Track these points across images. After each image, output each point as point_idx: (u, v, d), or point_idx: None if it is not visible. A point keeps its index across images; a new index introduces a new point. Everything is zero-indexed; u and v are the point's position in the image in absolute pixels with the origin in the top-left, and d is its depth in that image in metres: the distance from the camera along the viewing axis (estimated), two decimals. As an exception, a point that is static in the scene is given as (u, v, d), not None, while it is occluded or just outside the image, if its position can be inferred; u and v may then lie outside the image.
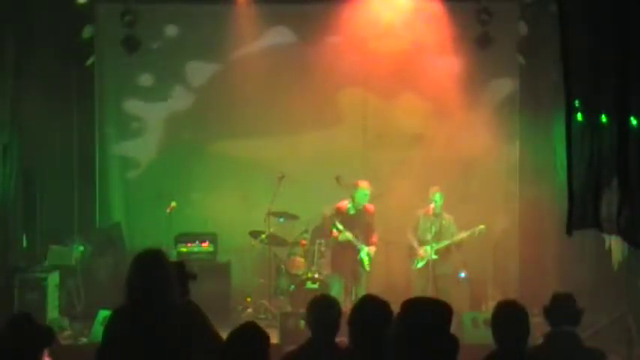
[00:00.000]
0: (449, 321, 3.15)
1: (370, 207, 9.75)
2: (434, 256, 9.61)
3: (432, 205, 9.67)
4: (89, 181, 11.17)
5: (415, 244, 9.77)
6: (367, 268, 9.70)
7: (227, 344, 3.96)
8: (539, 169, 10.77)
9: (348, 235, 9.55)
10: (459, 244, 9.79)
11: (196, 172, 11.27)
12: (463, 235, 9.72)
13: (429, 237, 9.63)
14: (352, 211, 9.67)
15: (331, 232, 9.69)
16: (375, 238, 9.79)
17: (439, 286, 9.51)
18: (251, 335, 3.97)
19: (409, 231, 9.88)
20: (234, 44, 11.14)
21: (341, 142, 11.35)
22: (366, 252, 9.65)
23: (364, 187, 9.59)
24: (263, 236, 10.27)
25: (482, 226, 9.67)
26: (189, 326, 4.20)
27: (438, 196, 9.66)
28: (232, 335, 3.98)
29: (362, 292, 9.12)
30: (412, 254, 9.82)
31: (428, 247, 9.63)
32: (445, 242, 9.67)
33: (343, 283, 9.72)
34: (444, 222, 9.72)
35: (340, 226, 9.57)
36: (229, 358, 3.91)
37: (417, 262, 9.74)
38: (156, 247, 4.47)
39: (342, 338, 5.60)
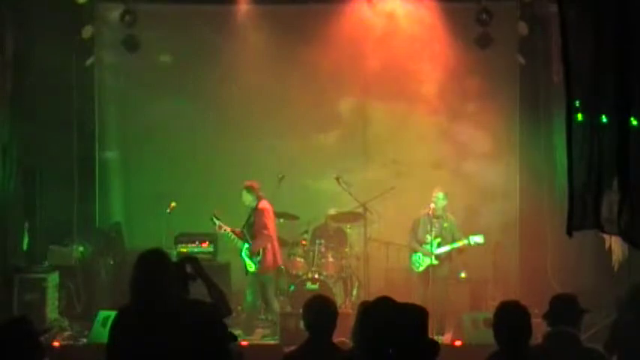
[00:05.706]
0: (422, 324, 3.09)
1: (261, 204, 9.42)
2: (435, 262, 9.42)
3: (433, 206, 9.47)
4: (89, 180, 11.17)
5: (416, 245, 9.63)
6: (249, 268, 9.47)
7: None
8: (539, 169, 10.77)
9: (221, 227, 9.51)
10: (460, 250, 9.62)
11: (196, 173, 11.26)
12: (462, 242, 9.50)
13: (428, 239, 9.46)
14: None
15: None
16: (258, 240, 9.36)
17: (436, 288, 9.38)
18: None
19: (409, 234, 9.76)
20: (234, 45, 11.13)
21: (341, 142, 11.35)
22: (245, 250, 9.48)
23: (244, 187, 9.49)
24: (263, 236, 10.24)
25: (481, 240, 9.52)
26: (197, 325, 4.18)
27: (440, 197, 9.49)
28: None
29: (251, 295, 9.32)
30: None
31: (428, 247, 9.40)
32: (447, 248, 9.51)
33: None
34: (445, 224, 9.58)
35: (216, 221, 9.51)
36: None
37: (418, 266, 9.62)
38: (159, 248, 4.48)
39: (343, 339, 5.59)
